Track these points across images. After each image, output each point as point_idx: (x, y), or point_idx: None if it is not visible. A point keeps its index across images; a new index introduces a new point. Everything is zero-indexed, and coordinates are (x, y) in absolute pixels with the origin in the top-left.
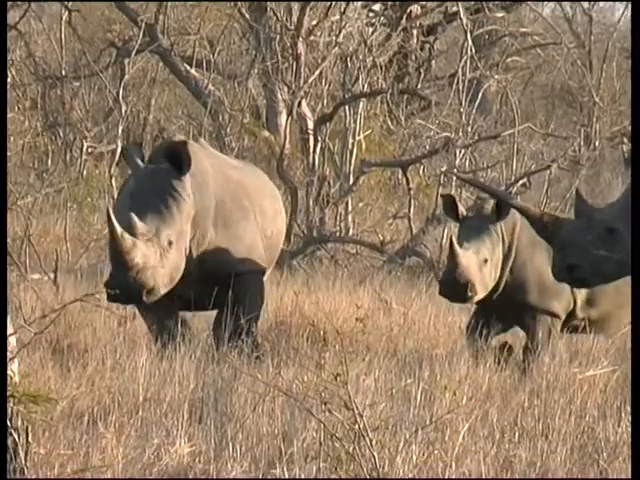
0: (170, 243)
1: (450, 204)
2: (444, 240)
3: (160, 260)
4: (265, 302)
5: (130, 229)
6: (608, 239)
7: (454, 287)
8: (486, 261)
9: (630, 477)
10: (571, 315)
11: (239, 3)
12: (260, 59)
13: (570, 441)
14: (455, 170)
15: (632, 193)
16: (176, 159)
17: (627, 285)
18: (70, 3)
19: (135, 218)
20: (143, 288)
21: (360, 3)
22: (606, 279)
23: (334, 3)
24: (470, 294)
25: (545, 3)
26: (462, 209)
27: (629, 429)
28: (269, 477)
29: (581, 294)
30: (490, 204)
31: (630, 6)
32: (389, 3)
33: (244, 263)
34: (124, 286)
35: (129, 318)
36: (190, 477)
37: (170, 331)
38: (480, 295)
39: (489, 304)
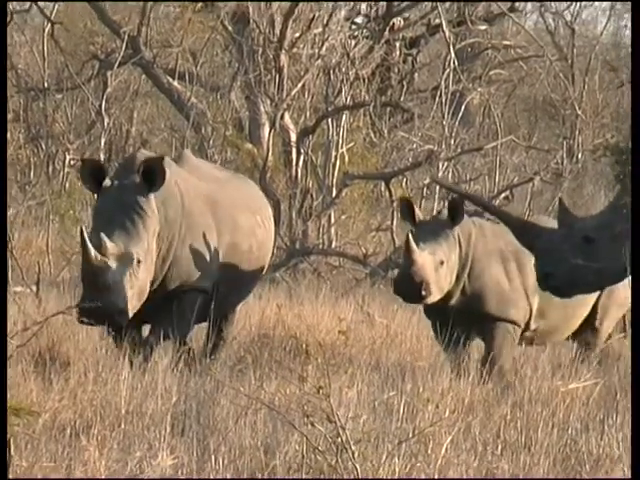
0: (139, 262)
1: (407, 208)
2: None
3: (129, 280)
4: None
5: (101, 249)
6: (585, 249)
7: (409, 285)
8: (442, 263)
9: (630, 477)
10: (526, 325)
11: (222, 16)
12: (243, 71)
13: (553, 454)
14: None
15: (632, 194)
16: (149, 175)
17: (578, 299)
18: (53, 16)
19: (105, 238)
20: (115, 310)
21: (343, 16)
22: (582, 289)
23: (317, 16)
24: (424, 293)
25: (528, 16)
26: (419, 213)
27: (611, 442)
28: None
29: (534, 305)
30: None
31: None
32: (372, 16)
33: (188, 281)
34: (95, 308)
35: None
36: None
37: (143, 342)
38: (435, 297)
39: (448, 313)
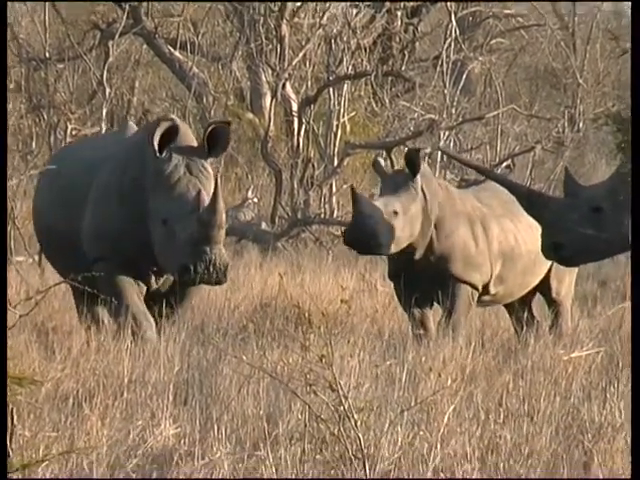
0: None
1: (377, 166)
2: None
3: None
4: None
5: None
6: (593, 218)
7: (356, 235)
8: (396, 213)
9: (630, 477)
10: (484, 289)
11: None
12: (244, 41)
13: (555, 422)
14: (439, 152)
15: (632, 184)
16: (214, 139)
17: (537, 266)
18: None
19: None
20: (228, 265)
21: None
22: (591, 258)
23: None
24: (372, 243)
25: None
26: (382, 167)
27: (614, 410)
28: (254, 459)
29: (496, 269)
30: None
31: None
32: None
33: None
34: (213, 264)
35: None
36: (175, 458)
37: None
38: (389, 248)
39: (413, 273)
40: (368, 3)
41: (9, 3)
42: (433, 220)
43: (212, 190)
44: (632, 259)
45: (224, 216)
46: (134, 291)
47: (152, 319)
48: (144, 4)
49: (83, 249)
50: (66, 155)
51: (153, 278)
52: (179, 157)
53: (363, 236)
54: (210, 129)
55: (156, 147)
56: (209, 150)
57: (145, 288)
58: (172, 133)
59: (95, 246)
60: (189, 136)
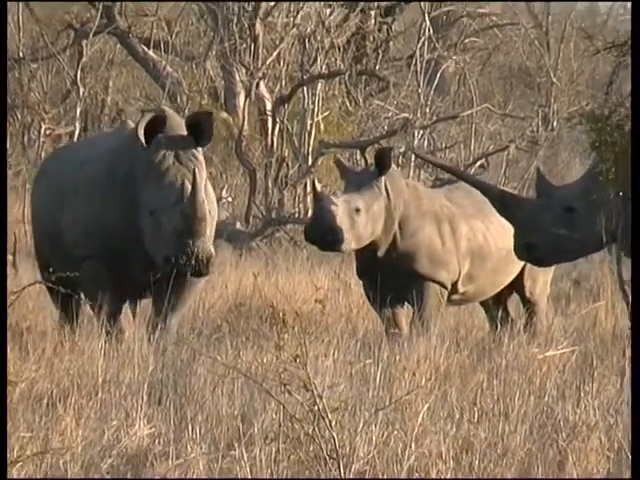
0: (209, 213)
1: (340, 166)
2: None
3: (210, 231)
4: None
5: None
6: (566, 218)
7: (316, 232)
8: (358, 210)
9: (631, 477)
10: (453, 288)
11: None
12: (218, 40)
13: (529, 421)
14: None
15: (631, 191)
16: (197, 129)
17: (509, 265)
18: None
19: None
20: (211, 257)
21: None
22: (564, 258)
23: None
24: (331, 240)
25: None
26: (344, 166)
27: (588, 409)
28: (228, 458)
29: (464, 268)
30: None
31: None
32: None
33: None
34: (195, 255)
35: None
36: (149, 459)
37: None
38: (350, 245)
39: (379, 271)
40: (342, 2)
41: None
42: (397, 218)
43: (204, 178)
44: (632, 258)
45: (206, 208)
46: (118, 292)
47: (132, 322)
48: (117, 3)
49: (68, 248)
50: (65, 155)
51: (142, 276)
52: (168, 147)
53: (322, 232)
54: (192, 119)
55: (142, 138)
56: (195, 140)
57: (135, 287)
58: (158, 124)
59: (83, 244)
60: (179, 124)
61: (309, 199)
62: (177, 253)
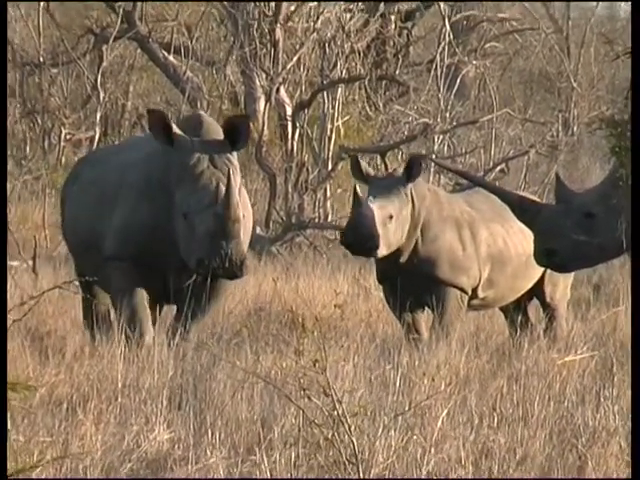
0: (243, 217)
1: (355, 166)
2: None
3: (244, 234)
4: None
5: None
6: (586, 224)
7: (356, 237)
8: (391, 217)
9: (630, 477)
10: (473, 293)
11: None
12: (238, 45)
13: (549, 426)
14: (433, 156)
15: (632, 192)
16: (232, 133)
17: (529, 270)
18: None
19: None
20: (245, 260)
21: None
22: (584, 264)
23: None
24: (370, 246)
25: None
26: (367, 169)
27: (608, 414)
28: (248, 463)
29: (485, 273)
30: (402, 168)
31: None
32: None
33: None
34: (229, 258)
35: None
36: (169, 463)
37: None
38: (382, 251)
39: (400, 276)
40: (362, 7)
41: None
42: (420, 224)
43: (239, 182)
44: (632, 260)
45: (239, 210)
46: (143, 296)
47: (152, 329)
48: (138, 8)
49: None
50: (100, 160)
51: (175, 280)
52: (203, 150)
53: (361, 238)
54: (229, 124)
55: (155, 138)
56: (231, 144)
57: (166, 291)
58: (162, 119)
59: (115, 244)
60: (215, 128)
61: (329, 204)
62: (210, 255)
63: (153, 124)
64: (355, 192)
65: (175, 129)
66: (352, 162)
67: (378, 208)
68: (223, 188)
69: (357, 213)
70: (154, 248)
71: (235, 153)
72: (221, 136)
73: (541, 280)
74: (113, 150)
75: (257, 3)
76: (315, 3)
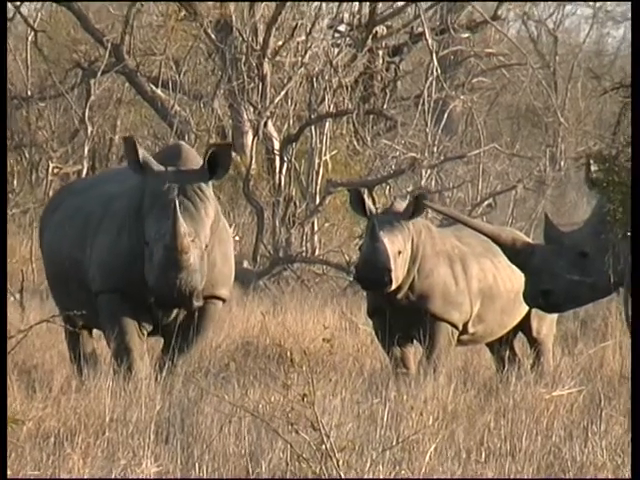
0: (206, 247)
1: (357, 199)
2: None
3: (202, 265)
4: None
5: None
6: (580, 263)
7: (373, 272)
8: (400, 253)
9: (630, 477)
10: (463, 328)
11: (205, 24)
12: (226, 79)
13: (537, 461)
14: (424, 191)
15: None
16: (214, 161)
17: (516, 306)
18: (36, 24)
19: (181, 220)
20: (194, 290)
21: (325, 24)
22: (579, 303)
23: (300, 24)
24: (387, 280)
25: (510, 24)
26: (369, 205)
27: (595, 449)
28: None
29: (475, 308)
30: (401, 203)
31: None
32: (355, 24)
33: (226, 287)
34: (177, 289)
35: (96, 339)
36: None
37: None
38: (393, 285)
39: (393, 311)
40: (349, 42)
41: None
42: (418, 259)
43: (211, 213)
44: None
45: (185, 241)
46: (134, 328)
47: (147, 360)
48: (126, 42)
49: (88, 282)
50: (81, 190)
51: (159, 311)
52: (175, 179)
53: (378, 275)
54: (212, 151)
55: (131, 164)
56: (211, 173)
57: (152, 322)
58: (132, 146)
59: (101, 277)
60: (193, 158)
61: (316, 238)
62: (159, 285)
63: (126, 151)
64: (373, 226)
65: (143, 156)
66: (353, 195)
67: (389, 243)
68: (180, 218)
69: (374, 248)
70: (137, 279)
71: (210, 183)
72: (199, 165)
73: (527, 315)
74: (94, 181)
75: (245, 38)
76: (303, 38)
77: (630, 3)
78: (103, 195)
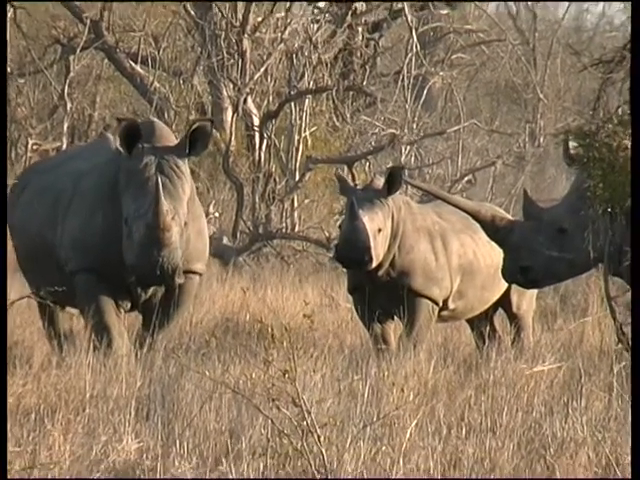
0: (185, 224)
1: (342, 183)
2: None
3: (182, 242)
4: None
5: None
6: (558, 239)
7: (353, 251)
8: (380, 230)
9: (630, 477)
10: (443, 304)
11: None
12: (205, 56)
13: (517, 437)
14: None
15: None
16: (194, 137)
17: (496, 282)
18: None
19: (163, 197)
20: (174, 267)
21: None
22: (558, 279)
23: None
24: (367, 259)
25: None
26: (349, 182)
27: (575, 425)
28: (216, 473)
29: (455, 284)
30: (380, 179)
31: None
32: (334, 0)
33: (201, 261)
34: (159, 266)
35: (76, 316)
36: (137, 473)
37: (117, 329)
38: (373, 264)
39: (374, 288)
40: (329, 18)
41: None
42: (398, 236)
43: (187, 190)
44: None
45: (167, 218)
46: (111, 306)
47: (126, 337)
48: (105, 19)
49: (62, 261)
50: (50, 168)
51: (137, 288)
52: (151, 156)
53: (359, 253)
54: (194, 127)
55: (122, 146)
56: (190, 149)
57: (130, 300)
58: (135, 130)
59: (75, 257)
60: (167, 135)
61: (296, 214)
62: (140, 263)
63: (121, 134)
64: (352, 206)
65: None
66: (339, 179)
67: (369, 221)
68: (161, 195)
69: (353, 226)
70: (114, 257)
71: (186, 160)
72: (174, 142)
73: (507, 291)
74: (63, 158)
75: (224, 14)
76: (282, 14)
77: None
78: (72, 172)
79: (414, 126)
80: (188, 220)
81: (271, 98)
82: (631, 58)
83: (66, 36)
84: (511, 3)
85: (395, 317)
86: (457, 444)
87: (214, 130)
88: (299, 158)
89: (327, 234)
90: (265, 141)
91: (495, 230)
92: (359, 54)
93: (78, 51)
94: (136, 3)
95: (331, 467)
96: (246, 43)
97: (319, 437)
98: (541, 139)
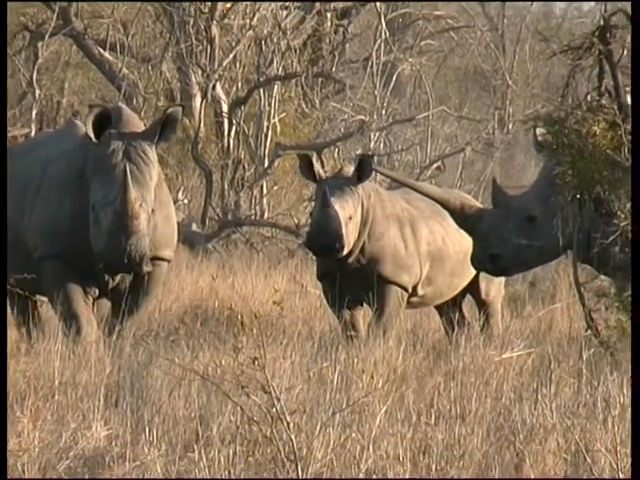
0: (153, 211)
1: (307, 165)
2: None
3: (149, 229)
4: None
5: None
6: (527, 227)
7: (325, 239)
8: (351, 218)
9: (630, 477)
10: (413, 291)
11: None
12: (174, 42)
13: (486, 423)
14: (370, 153)
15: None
16: (163, 123)
17: (465, 268)
18: None
19: (131, 184)
20: (141, 255)
21: None
22: (527, 267)
23: None
24: (338, 247)
25: None
26: (319, 170)
27: (545, 412)
28: (186, 460)
29: (424, 271)
30: (350, 167)
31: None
32: None
33: (169, 248)
34: (127, 254)
35: (45, 303)
36: (107, 460)
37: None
38: (344, 251)
39: (343, 274)
40: (298, 4)
41: None
42: (368, 223)
43: (155, 177)
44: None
45: (136, 206)
46: (80, 294)
47: (95, 324)
48: (73, 5)
49: (30, 248)
50: (17, 156)
51: (107, 276)
52: (118, 143)
53: (330, 239)
54: (163, 113)
55: (91, 133)
56: (160, 135)
57: (98, 287)
58: (106, 118)
59: (43, 244)
60: (135, 121)
61: (265, 201)
62: (108, 250)
63: (93, 121)
64: (325, 193)
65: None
66: (302, 162)
67: (340, 208)
68: (129, 182)
69: (325, 214)
70: (81, 244)
71: (153, 146)
72: (141, 128)
73: (476, 277)
74: (31, 145)
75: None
76: (251, 0)
77: None
78: (41, 159)
79: (383, 112)
80: (155, 207)
81: (240, 84)
82: (631, 59)
83: (34, 22)
84: None
85: (364, 304)
86: (426, 431)
87: (183, 117)
88: (268, 145)
89: (296, 221)
90: (234, 127)
91: (464, 218)
92: (328, 40)
93: (47, 37)
94: None
95: (300, 454)
96: (215, 29)
97: (288, 424)
98: (510, 125)
